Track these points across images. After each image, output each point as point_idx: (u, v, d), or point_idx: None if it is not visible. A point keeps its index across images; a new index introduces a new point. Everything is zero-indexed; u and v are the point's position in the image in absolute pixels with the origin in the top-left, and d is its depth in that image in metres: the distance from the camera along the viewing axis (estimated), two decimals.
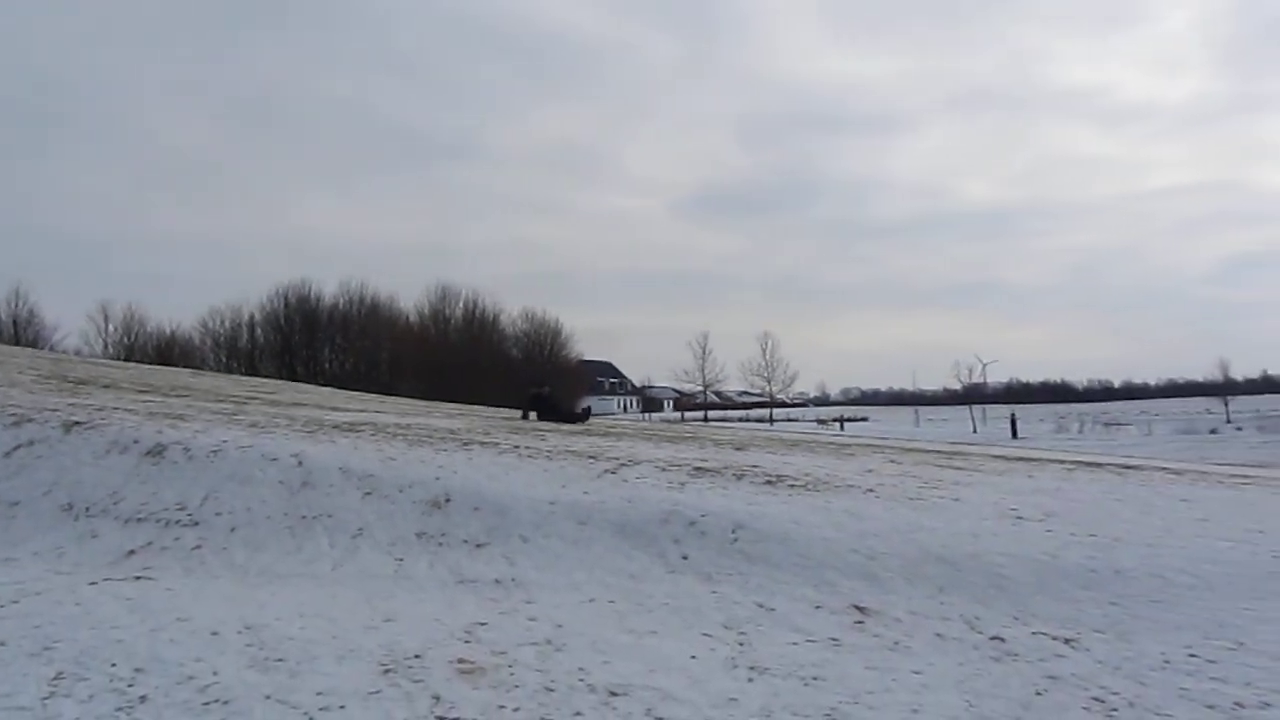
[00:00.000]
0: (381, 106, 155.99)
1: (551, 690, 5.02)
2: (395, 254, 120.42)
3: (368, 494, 8.76)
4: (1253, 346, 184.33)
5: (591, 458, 10.71)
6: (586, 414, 19.96)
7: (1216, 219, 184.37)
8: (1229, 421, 66.56)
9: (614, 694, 4.98)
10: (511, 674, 5.26)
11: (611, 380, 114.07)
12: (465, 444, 11.30)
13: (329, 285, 64.15)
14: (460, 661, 5.44)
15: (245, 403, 16.88)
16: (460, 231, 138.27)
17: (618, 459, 10.69)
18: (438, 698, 4.89)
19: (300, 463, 9.39)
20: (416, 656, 5.49)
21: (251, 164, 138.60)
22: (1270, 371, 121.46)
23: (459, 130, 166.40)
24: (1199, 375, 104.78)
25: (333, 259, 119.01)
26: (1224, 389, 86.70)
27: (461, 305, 68.86)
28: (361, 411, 17.22)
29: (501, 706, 4.80)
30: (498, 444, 11.52)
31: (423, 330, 65.68)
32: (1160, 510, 10.13)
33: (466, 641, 5.82)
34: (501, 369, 60.60)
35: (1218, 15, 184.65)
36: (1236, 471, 17.27)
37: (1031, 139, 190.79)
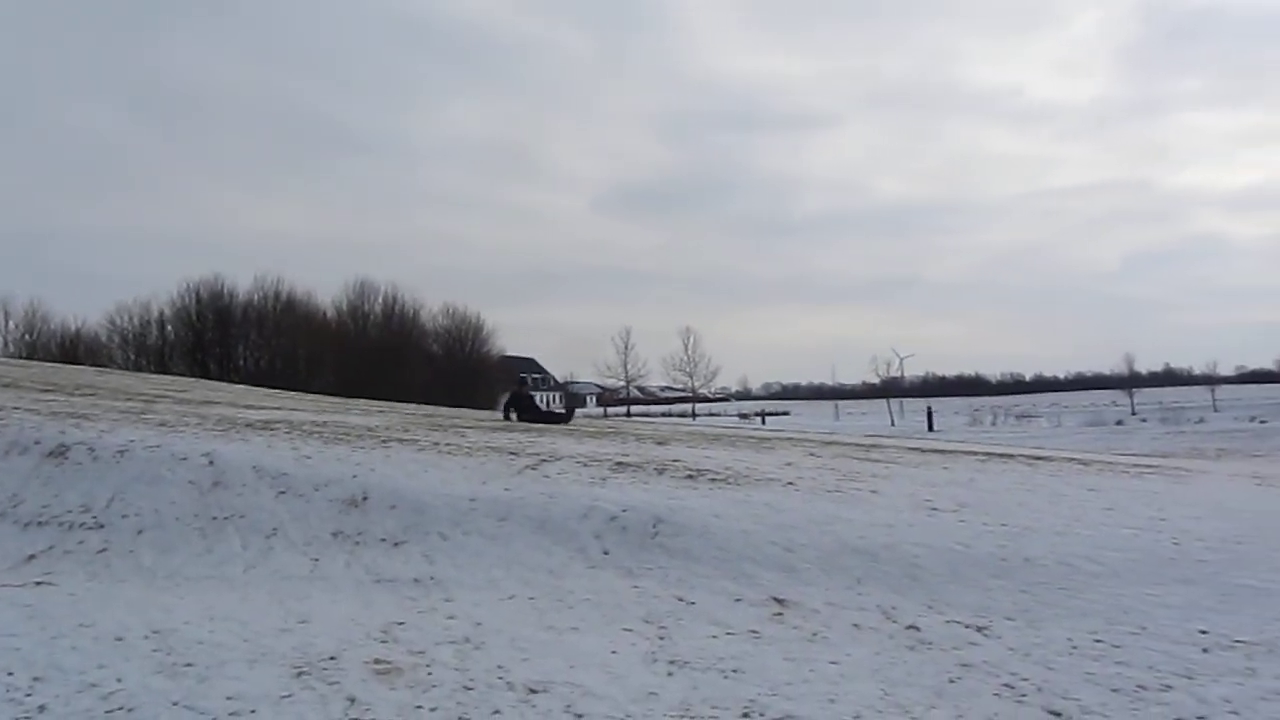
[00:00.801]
0: (298, 99, 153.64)
1: (470, 689, 4.97)
2: (312, 249, 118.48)
3: (282, 493, 8.58)
4: (1155, 341, 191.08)
5: (512, 454, 10.63)
6: (570, 413, 19.53)
7: (1121, 217, 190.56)
8: (1134, 413, 68.80)
9: (533, 691, 4.94)
10: (429, 673, 5.19)
11: (534, 376, 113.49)
12: (384, 441, 11.13)
13: (243, 281, 62.42)
14: (377, 662, 5.35)
15: (154, 401, 16.42)
16: (380, 227, 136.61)
17: (539, 455, 10.63)
18: (353, 699, 4.80)
19: (211, 462, 9.16)
20: (331, 658, 5.39)
21: (160, 158, 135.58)
22: (1172, 364, 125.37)
23: (378, 124, 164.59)
24: (1106, 369, 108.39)
25: (247, 254, 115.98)
26: (1129, 382, 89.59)
27: (381, 301, 67.75)
28: (276, 409, 16.87)
29: (419, 707, 4.73)
30: (417, 441, 11.38)
31: (341, 326, 64.50)
32: (1069, 500, 10.41)
33: (383, 642, 5.73)
34: (422, 365, 59.92)
35: (1123, 19, 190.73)
36: (1140, 461, 17.81)
37: (945, 137, 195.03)
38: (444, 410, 23.34)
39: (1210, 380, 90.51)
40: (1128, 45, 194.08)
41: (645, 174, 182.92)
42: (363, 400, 25.99)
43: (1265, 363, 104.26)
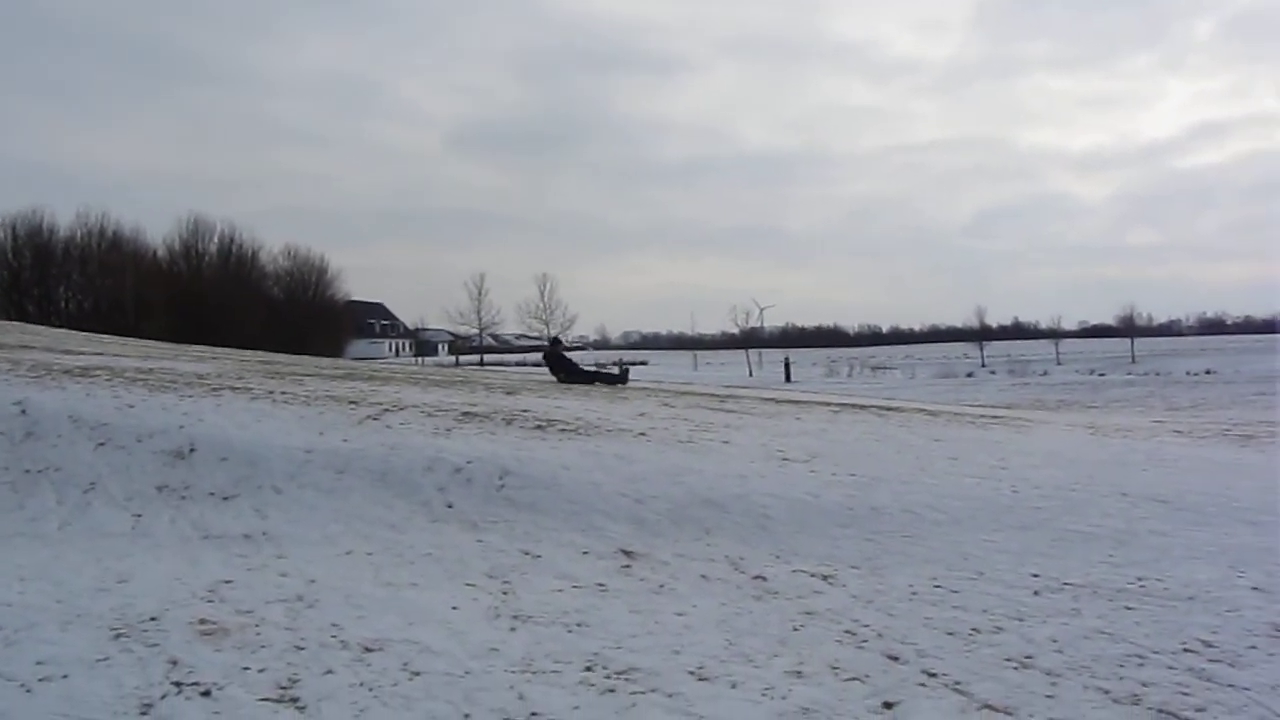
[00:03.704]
0: (126, 21, 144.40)
1: (301, 649, 4.71)
2: (148, 185, 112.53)
3: (101, 445, 8.02)
4: (1006, 294, 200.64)
5: (353, 403, 10.25)
6: (625, 374, 18.20)
7: (975, 174, 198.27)
8: (984, 365, 71.92)
9: (368, 650, 4.72)
10: (258, 633, 4.90)
11: (383, 322, 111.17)
12: (215, 390, 10.57)
13: (64, 216, 58.61)
14: (202, 623, 5.02)
15: None
16: (217, 161, 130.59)
17: (381, 404, 10.28)
18: (175, 662, 4.49)
19: (24, 411, 8.51)
20: (153, 619, 5.04)
21: None
22: (1021, 318, 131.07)
23: (227, 54, 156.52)
24: (959, 321, 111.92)
25: (69, 188, 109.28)
26: (980, 335, 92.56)
27: (217, 240, 64.76)
28: (98, 355, 15.88)
29: (246, 668, 4.45)
30: (251, 389, 10.85)
31: (173, 267, 61.51)
32: (916, 450, 10.70)
33: (209, 601, 5.39)
34: (261, 309, 57.77)
35: None
36: (986, 412, 18.57)
37: (808, 87, 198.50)
38: (283, 357, 22.45)
39: (1055, 334, 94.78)
40: (983, 6, 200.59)
41: (503, 114, 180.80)
42: (196, 346, 24.84)
43: (1106, 318, 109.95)
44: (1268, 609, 5.61)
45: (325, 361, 22.05)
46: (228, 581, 5.75)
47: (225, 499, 7.33)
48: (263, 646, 4.73)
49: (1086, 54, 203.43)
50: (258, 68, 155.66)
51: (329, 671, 4.46)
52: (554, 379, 17.08)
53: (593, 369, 18.37)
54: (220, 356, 19.06)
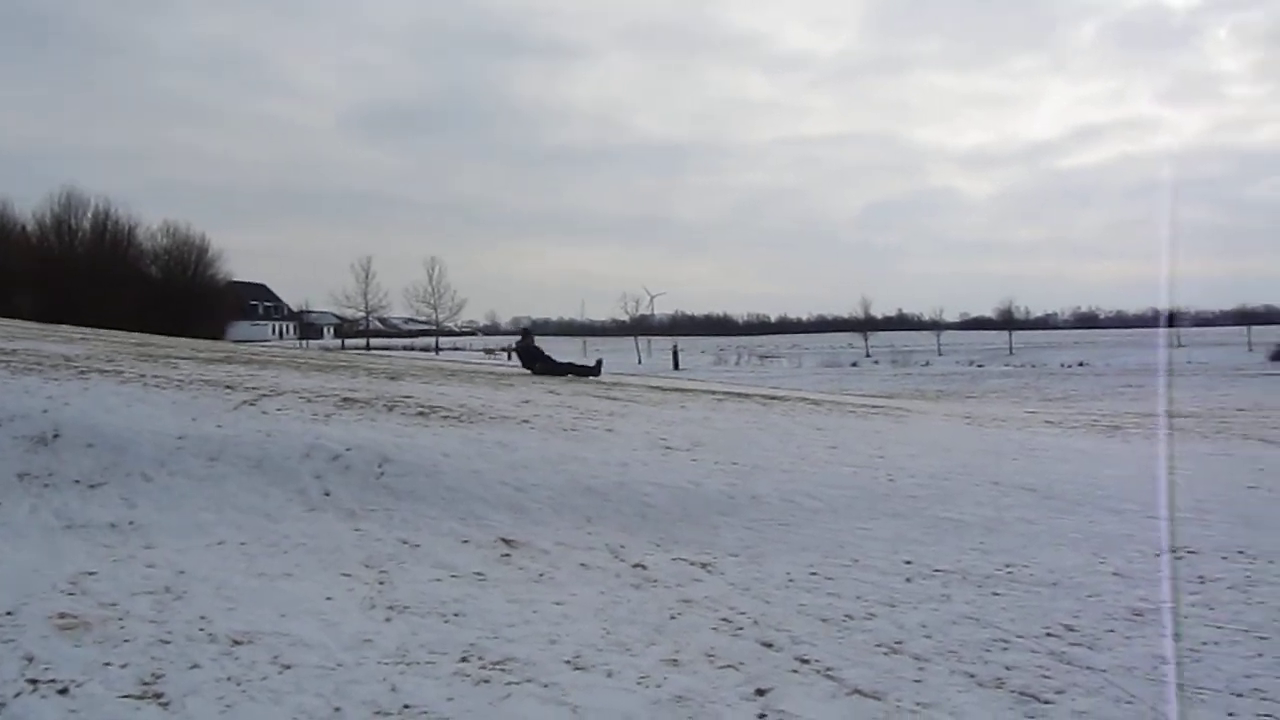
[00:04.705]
0: None
1: (167, 642, 4.57)
2: (9, 154, 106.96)
3: None
4: (892, 286, 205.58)
5: (229, 388, 9.96)
6: (599, 366, 18.11)
7: (865, 167, 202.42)
8: (868, 355, 73.67)
9: (237, 643, 4.61)
10: (122, 627, 4.73)
11: (266, 304, 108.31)
12: (82, 372, 10.15)
13: None
14: (61, 617, 4.83)
15: None
16: (93, 133, 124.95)
17: (258, 389, 10.02)
18: (31, 658, 4.31)
19: None
20: (8, 613, 4.82)
21: None
22: (905, 310, 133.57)
23: (97, 17, 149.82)
24: (845, 312, 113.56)
25: None
26: (865, 325, 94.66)
27: (91, 216, 62.01)
28: None
29: (107, 664, 4.30)
30: (121, 372, 10.46)
31: (42, 242, 58.78)
32: (797, 438, 10.89)
33: (71, 594, 5.18)
34: (138, 289, 55.67)
35: None
36: (868, 401, 19.01)
37: (704, 79, 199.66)
38: (159, 339, 21.69)
39: (937, 326, 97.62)
40: (875, 2, 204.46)
41: (396, 94, 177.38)
42: (65, 326, 23.81)
43: (986, 311, 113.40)
44: (1127, 593, 5.88)
45: (203, 344, 21.38)
46: (91, 573, 5.54)
47: (91, 487, 7.05)
48: (126, 641, 4.58)
49: (975, 54, 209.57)
50: (147, 38, 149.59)
51: (195, 666, 4.34)
52: (527, 371, 17.13)
53: (566, 361, 18.29)
54: (91, 338, 18.32)
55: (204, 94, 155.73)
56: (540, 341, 18.95)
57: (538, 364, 17.27)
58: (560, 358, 18.74)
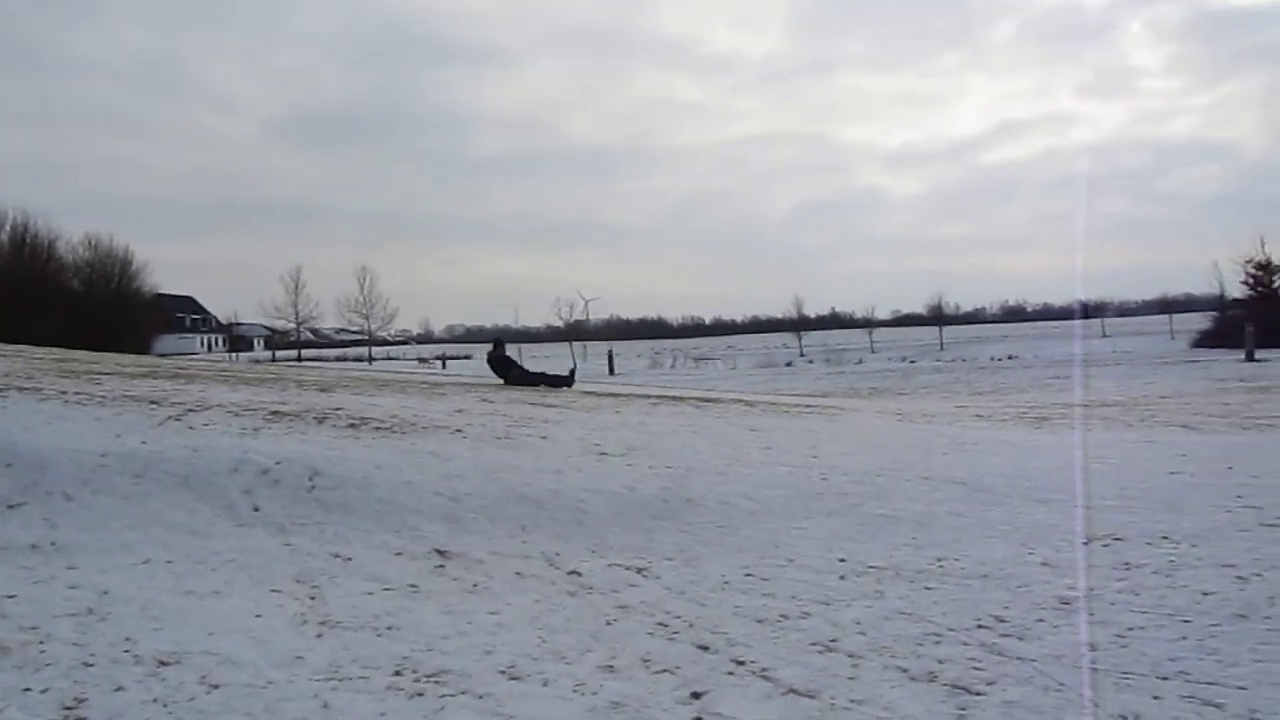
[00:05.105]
0: None
1: (90, 665, 4.47)
2: None
3: None
4: (824, 285, 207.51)
5: (153, 403, 9.75)
6: (572, 376, 17.80)
7: (793, 168, 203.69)
8: (802, 355, 74.17)
9: (164, 663, 4.51)
10: (42, 651, 4.61)
11: (194, 316, 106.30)
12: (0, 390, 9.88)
13: None
14: None
15: None
16: (8, 144, 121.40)
17: (184, 404, 9.82)
18: None
19: None
20: None
21: None
22: (838, 309, 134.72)
23: (21, 28, 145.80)
24: (779, 312, 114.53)
25: None
26: (799, 325, 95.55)
27: (9, 229, 60.27)
28: None
29: (27, 689, 4.19)
30: (40, 389, 10.17)
31: None
32: (732, 440, 10.95)
33: None
34: (60, 303, 54.18)
35: None
36: (802, 401, 19.16)
37: (633, 82, 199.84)
38: (81, 354, 21.12)
39: (870, 324, 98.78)
40: (800, 4, 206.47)
41: (324, 100, 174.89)
42: None
43: (917, 307, 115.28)
44: (1055, 583, 6.02)
45: (127, 359, 20.85)
46: (10, 596, 5.38)
47: (10, 508, 6.84)
48: (47, 664, 4.46)
49: (899, 54, 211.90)
50: (66, 46, 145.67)
51: (119, 688, 4.24)
52: (499, 381, 16.91)
53: (538, 371, 18.14)
54: (9, 354, 17.80)
55: (125, 103, 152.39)
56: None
57: (511, 374, 17.13)
58: (532, 367, 18.65)
